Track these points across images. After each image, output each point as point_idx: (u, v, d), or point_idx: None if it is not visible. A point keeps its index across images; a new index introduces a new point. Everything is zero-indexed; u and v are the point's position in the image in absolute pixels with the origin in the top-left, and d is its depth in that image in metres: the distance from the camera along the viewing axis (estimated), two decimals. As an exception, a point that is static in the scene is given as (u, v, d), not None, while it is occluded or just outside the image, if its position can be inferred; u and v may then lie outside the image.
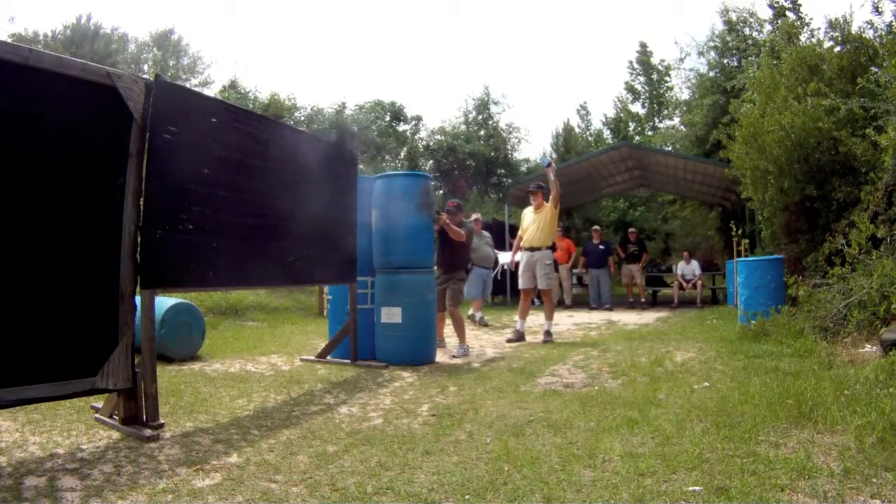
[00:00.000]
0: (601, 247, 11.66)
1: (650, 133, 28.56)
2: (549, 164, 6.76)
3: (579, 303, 12.31)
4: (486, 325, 8.33)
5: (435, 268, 5.96)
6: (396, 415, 3.30)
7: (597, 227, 12.56)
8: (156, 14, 50.08)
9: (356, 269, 5.07)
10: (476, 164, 22.80)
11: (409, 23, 55.08)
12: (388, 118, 23.47)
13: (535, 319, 8.07)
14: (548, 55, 57.42)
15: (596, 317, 9.62)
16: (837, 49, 7.16)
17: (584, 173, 15.42)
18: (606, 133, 29.17)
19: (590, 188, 17.15)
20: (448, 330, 6.39)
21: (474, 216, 8.87)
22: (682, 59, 32.00)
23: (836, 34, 7.11)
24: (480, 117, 25.44)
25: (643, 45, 30.67)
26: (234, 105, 4.60)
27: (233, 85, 21.77)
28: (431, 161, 22.91)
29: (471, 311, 8.73)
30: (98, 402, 3.18)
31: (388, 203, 5.25)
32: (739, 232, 8.34)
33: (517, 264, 7.00)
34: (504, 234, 13.17)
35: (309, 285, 9.96)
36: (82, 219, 2.73)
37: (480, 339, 6.96)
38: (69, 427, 3.02)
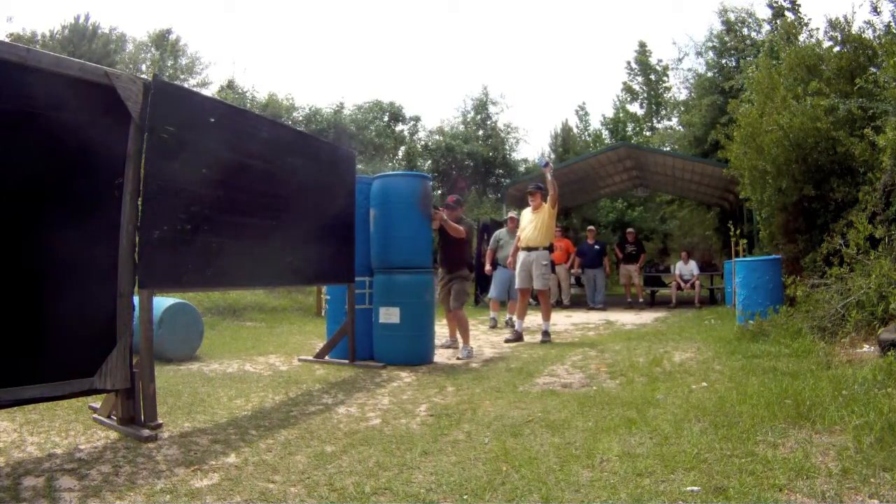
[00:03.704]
0: (596, 247, 11.67)
1: (648, 133, 28.61)
2: (546, 165, 6.76)
3: (577, 303, 12.32)
4: (494, 327, 8.28)
5: (439, 268, 5.93)
6: (394, 415, 3.30)
7: (591, 227, 12.57)
8: (154, 14, 50.03)
9: (354, 269, 5.06)
10: (474, 164, 22.83)
11: (407, 23, 55.11)
12: (386, 118, 23.48)
13: (534, 320, 8.07)
14: (546, 55, 57.47)
15: (594, 317, 9.62)
16: (836, 49, 7.16)
17: (583, 173, 15.43)
18: (605, 133, 29.19)
19: (588, 188, 17.15)
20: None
21: (510, 214, 8.77)
22: (680, 60, 32.16)
23: (836, 34, 7.10)
24: (479, 117, 25.49)
25: (642, 45, 30.72)
26: (233, 105, 4.59)
27: (231, 85, 21.77)
28: (430, 161, 22.92)
29: (508, 316, 8.38)
30: (96, 402, 3.18)
31: (386, 203, 5.25)
32: (738, 232, 8.34)
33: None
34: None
35: (307, 285, 9.95)
36: (80, 219, 2.72)
37: (479, 339, 6.96)
38: (67, 427, 3.02)
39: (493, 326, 8.25)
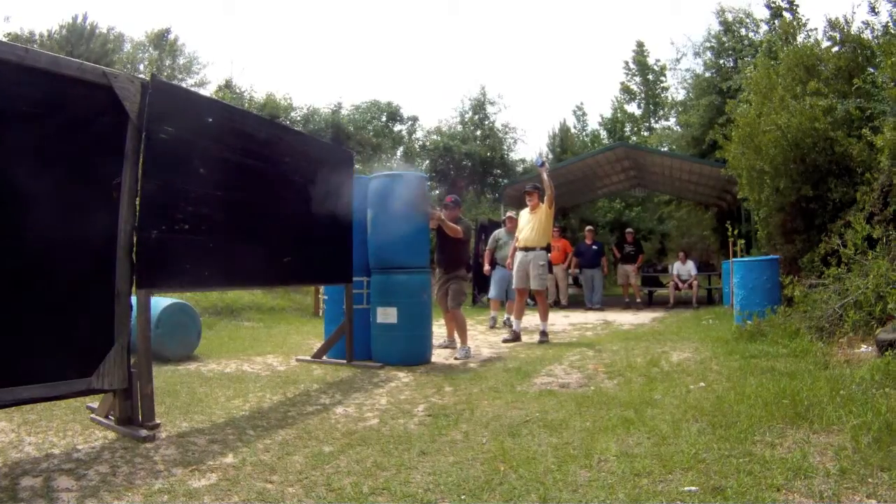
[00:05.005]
0: (594, 247, 11.68)
1: (646, 133, 28.67)
2: (542, 164, 6.74)
3: (575, 303, 12.32)
4: (493, 327, 8.27)
5: (436, 268, 5.93)
6: (392, 415, 3.30)
7: (590, 227, 12.58)
8: (152, 14, 49.93)
9: (352, 269, 5.06)
10: (472, 164, 22.85)
11: (405, 23, 55.07)
12: (384, 118, 23.49)
13: (532, 320, 8.08)
14: (544, 55, 57.42)
15: (592, 317, 9.63)
16: (835, 49, 7.17)
17: (581, 174, 15.44)
18: (603, 133, 29.24)
19: (586, 188, 17.16)
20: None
21: (509, 214, 8.76)
22: (678, 60, 32.15)
23: (835, 34, 7.11)
24: (477, 117, 25.52)
25: (640, 45, 30.77)
26: (231, 105, 4.59)
27: (228, 85, 21.75)
28: (427, 161, 22.93)
29: (506, 315, 8.33)
30: (94, 402, 3.17)
31: (383, 203, 5.24)
32: (735, 232, 8.35)
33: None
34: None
35: (305, 285, 9.94)
36: (78, 219, 2.72)
37: (476, 339, 6.95)
38: (65, 427, 3.01)
39: (493, 326, 8.25)
